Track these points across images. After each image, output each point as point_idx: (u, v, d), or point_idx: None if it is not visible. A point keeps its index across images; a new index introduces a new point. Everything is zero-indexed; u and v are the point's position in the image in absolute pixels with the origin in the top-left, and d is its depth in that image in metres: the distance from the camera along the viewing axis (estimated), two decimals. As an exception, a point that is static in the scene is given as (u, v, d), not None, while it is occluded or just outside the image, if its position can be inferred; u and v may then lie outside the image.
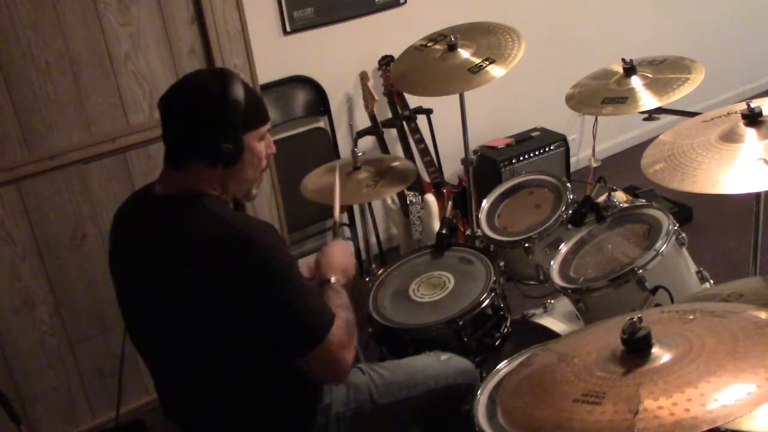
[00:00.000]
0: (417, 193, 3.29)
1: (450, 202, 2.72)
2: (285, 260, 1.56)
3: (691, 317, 1.26)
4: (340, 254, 1.85)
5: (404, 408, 1.81)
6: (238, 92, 1.56)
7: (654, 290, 1.86)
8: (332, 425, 1.72)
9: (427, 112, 3.52)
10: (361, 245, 3.57)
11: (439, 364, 1.87)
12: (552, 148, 3.72)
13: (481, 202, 2.51)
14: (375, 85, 3.36)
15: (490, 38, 2.43)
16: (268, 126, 1.67)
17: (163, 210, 1.60)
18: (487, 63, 2.33)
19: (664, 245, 1.91)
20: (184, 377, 1.67)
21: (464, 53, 2.40)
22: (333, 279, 1.77)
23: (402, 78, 2.58)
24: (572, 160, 3.89)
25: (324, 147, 3.40)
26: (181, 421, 1.75)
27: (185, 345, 1.60)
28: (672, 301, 1.86)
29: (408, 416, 1.84)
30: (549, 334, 2.19)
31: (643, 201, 2.43)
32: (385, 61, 3.34)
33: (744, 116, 1.64)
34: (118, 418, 2.14)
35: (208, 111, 1.54)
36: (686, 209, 3.57)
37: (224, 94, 1.54)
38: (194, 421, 1.72)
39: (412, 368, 1.86)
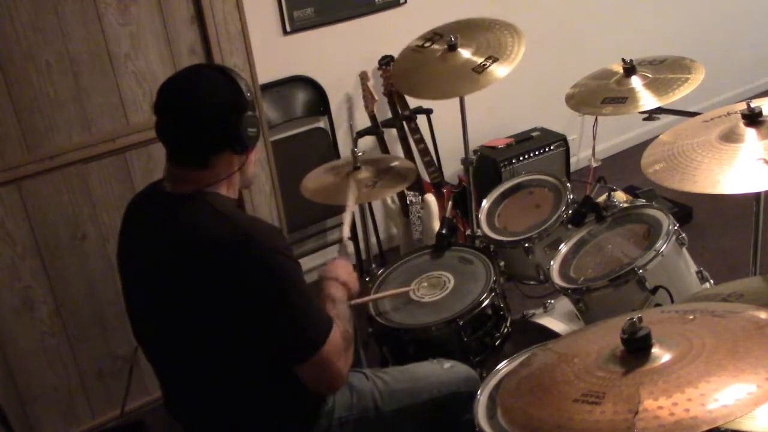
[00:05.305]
0: (417, 193, 3.29)
1: (450, 202, 2.71)
2: (288, 264, 1.56)
3: (691, 317, 1.26)
4: (344, 270, 1.86)
5: (407, 415, 1.80)
6: (240, 79, 1.61)
7: (654, 290, 1.86)
8: (335, 429, 1.72)
9: (427, 112, 3.52)
10: (361, 245, 3.57)
11: (442, 371, 1.86)
12: (552, 148, 3.72)
13: (481, 202, 2.51)
14: (375, 85, 3.36)
15: (488, 36, 2.42)
16: None
17: (173, 208, 1.60)
18: (491, 62, 2.31)
19: (664, 245, 1.91)
20: (186, 375, 1.67)
21: (465, 53, 2.39)
22: (334, 290, 1.77)
23: (402, 78, 2.57)
24: (572, 160, 3.88)
25: (324, 147, 3.40)
26: (184, 419, 1.75)
27: (188, 343, 1.60)
28: (672, 301, 1.86)
29: (410, 424, 1.83)
30: (549, 334, 2.19)
31: (643, 201, 2.42)
32: (385, 61, 3.34)
33: (744, 116, 1.65)
34: (123, 414, 2.15)
35: (233, 103, 1.58)
36: (686, 209, 3.56)
37: (234, 83, 1.59)
38: (197, 420, 1.72)
39: (416, 375, 1.86)
